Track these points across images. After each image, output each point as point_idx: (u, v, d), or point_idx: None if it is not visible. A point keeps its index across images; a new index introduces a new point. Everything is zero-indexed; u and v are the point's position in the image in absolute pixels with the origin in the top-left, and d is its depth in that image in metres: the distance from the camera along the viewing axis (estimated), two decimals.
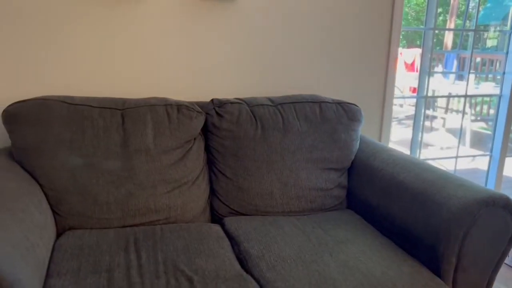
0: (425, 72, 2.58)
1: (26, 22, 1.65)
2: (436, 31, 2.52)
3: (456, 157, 2.88)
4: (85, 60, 1.76)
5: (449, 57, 5.22)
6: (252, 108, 1.76)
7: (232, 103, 1.75)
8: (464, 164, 3.29)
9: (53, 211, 1.50)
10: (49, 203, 1.48)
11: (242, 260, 1.40)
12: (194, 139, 1.70)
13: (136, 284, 1.18)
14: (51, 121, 1.52)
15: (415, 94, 3.63)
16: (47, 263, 1.26)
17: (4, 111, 1.52)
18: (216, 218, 1.72)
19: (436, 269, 1.36)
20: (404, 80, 5.60)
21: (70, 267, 1.24)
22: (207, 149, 1.76)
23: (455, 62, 4.86)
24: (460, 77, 4.64)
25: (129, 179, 1.54)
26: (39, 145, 1.49)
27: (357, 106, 1.92)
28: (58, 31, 1.70)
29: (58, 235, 1.47)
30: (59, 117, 1.53)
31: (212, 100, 1.78)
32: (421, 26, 4.08)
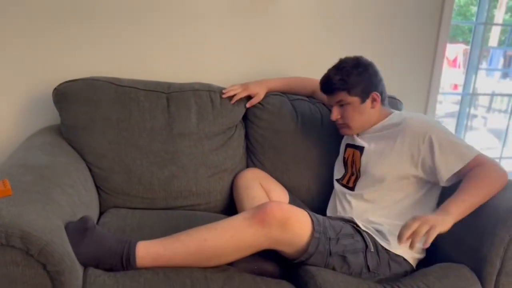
0: (472, 69, 2.49)
1: (79, 7, 1.68)
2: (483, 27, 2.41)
3: (500, 157, 2.79)
4: (132, 44, 1.78)
5: (494, 54, 4.99)
6: (292, 102, 1.75)
7: (274, 94, 1.75)
8: (507, 166, 3.18)
9: (98, 188, 1.54)
10: (94, 181, 1.53)
11: None
12: (236, 126, 1.70)
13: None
14: (99, 101, 1.55)
15: (457, 91, 3.52)
16: None
17: (54, 89, 1.57)
18: None
19: (478, 272, 1.32)
20: (445, 76, 5.42)
21: None
22: (247, 139, 1.75)
23: (501, 60, 4.66)
24: (504, 75, 4.44)
25: (172, 162, 1.56)
26: (87, 124, 1.53)
27: (399, 100, 1.88)
28: (107, 17, 1.72)
29: (101, 212, 1.51)
30: (107, 98, 1.56)
31: None
32: (465, 21, 3.93)
